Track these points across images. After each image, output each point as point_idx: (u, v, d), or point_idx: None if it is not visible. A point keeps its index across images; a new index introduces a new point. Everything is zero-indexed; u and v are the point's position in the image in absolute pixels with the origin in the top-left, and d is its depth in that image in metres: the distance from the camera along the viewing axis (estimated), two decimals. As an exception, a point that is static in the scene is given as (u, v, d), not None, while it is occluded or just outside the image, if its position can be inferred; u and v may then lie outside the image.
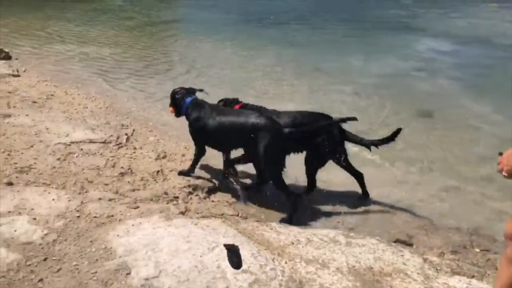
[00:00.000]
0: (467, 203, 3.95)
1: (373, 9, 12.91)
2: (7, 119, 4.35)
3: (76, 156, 3.83)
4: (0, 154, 3.65)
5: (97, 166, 3.71)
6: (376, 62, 7.93)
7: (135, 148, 4.19)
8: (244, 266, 2.52)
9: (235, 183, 3.82)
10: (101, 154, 3.93)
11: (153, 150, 4.19)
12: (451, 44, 9.26)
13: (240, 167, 4.01)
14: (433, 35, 10.04)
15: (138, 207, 3.15)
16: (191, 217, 3.11)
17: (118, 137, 4.31)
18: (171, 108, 3.91)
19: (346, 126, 3.76)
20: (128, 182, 3.56)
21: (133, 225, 2.86)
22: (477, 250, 3.26)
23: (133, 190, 3.44)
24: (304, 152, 3.76)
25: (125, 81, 6.53)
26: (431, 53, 8.74)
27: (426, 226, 3.55)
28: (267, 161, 3.43)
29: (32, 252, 2.54)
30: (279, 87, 6.62)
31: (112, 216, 2.98)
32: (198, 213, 3.26)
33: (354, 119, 3.50)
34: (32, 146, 3.86)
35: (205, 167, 4.02)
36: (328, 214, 3.67)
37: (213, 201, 3.60)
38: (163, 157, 4.09)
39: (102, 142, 4.15)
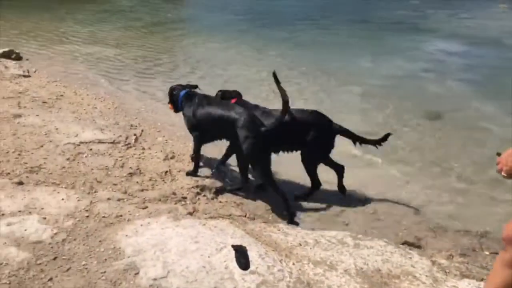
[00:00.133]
0: (476, 205, 3.93)
1: (380, 10, 12.77)
2: (17, 119, 4.39)
3: (85, 156, 3.86)
4: (10, 154, 3.70)
5: (106, 166, 3.74)
6: (384, 63, 7.87)
7: (143, 149, 4.21)
8: (252, 267, 2.53)
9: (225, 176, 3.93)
10: (110, 154, 3.96)
11: (161, 151, 4.21)
12: (460, 45, 9.16)
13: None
14: (442, 36, 9.92)
15: (146, 207, 3.17)
16: (199, 218, 3.13)
17: (127, 138, 4.34)
18: (169, 105, 4.05)
19: (346, 126, 3.81)
20: (137, 182, 3.58)
21: (141, 225, 2.88)
22: (487, 252, 3.23)
23: (142, 190, 3.46)
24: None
25: (131, 82, 6.55)
26: (440, 54, 8.65)
27: (435, 228, 3.53)
28: (248, 157, 3.49)
29: (42, 251, 2.56)
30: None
31: (121, 216, 3.00)
32: (206, 214, 3.27)
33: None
34: (42, 146, 3.90)
35: (213, 168, 4.02)
36: (335, 216, 3.66)
37: (220, 201, 3.61)
38: (172, 158, 4.11)
39: (111, 142, 4.18)
